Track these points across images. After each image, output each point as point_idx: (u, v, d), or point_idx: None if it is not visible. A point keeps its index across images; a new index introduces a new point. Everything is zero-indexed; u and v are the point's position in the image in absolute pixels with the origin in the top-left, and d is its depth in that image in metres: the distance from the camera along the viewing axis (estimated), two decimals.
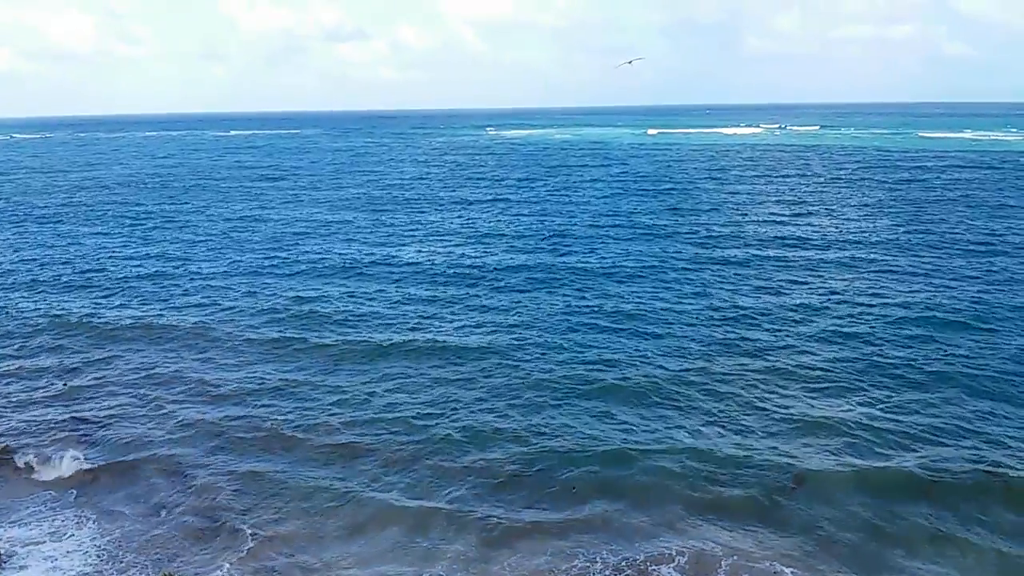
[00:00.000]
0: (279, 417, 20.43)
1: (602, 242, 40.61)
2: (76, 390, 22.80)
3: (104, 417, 21.05)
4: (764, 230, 43.18)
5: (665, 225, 45.38)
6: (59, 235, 46.91)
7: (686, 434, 18.98)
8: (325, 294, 31.53)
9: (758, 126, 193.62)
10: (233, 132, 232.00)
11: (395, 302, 30.29)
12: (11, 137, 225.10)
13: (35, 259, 39.87)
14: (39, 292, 33.37)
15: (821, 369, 22.45)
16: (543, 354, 23.97)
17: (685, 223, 45.90)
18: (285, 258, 38.29)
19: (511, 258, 37.17)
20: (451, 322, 27.54)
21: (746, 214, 49.25)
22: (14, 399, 22.33)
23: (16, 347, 26.51)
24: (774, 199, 56.34)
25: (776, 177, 72.02)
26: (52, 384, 23.29)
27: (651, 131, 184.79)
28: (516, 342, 25.07)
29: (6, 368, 24.62)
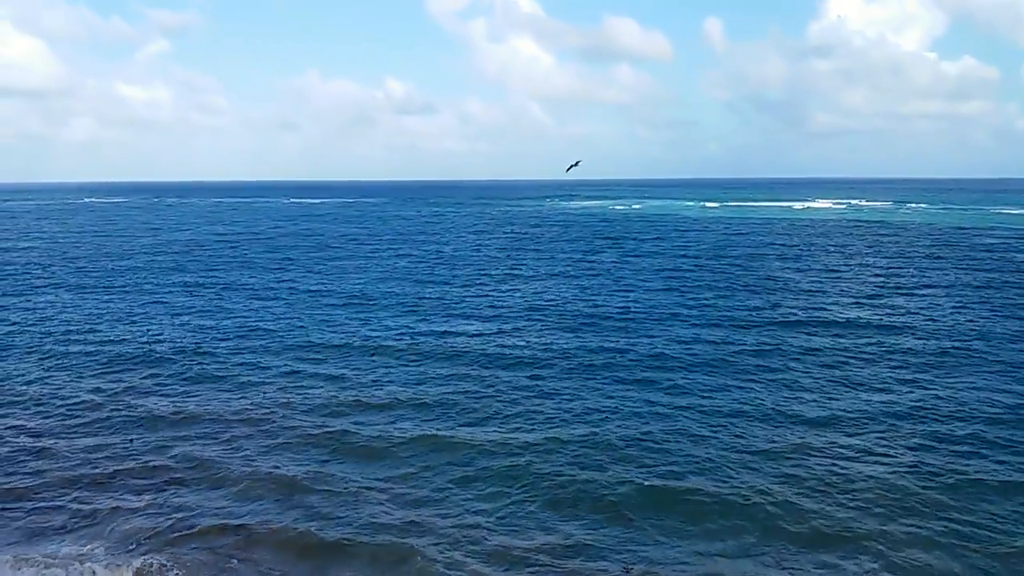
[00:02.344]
0: (311, 520, 18.48)
1: (663, 324, 38.24)
2: (93, 479, 21.20)
3: (118, 510, 19.34)
4: (837, 313, 40.43)
5: (731, 305, 42.91)
6: (106, 303, 46.45)
7: (761, 561, 16.56)
8: (370, 377, 29.62)
9: (827, 200, 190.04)
10: (299, 200, 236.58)
11: (441, 386, 28.31)
12: (84, 200, 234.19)
13: (78, 328, 39.14)
14: (73, 366, 32.34)
15: (907, 481, 19.75)
16: (598, 457, 21.54)
17: (752, 303, 43.31)
18: (336, 337, 36.44)
19: (568, 340, 34.98)
20: (494, 415, 25.32)
21: (817, 295, 46.48)
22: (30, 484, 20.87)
23: (46, 426, 25.18)
24: (846, 278, 53.52)
25: (847, 254, 69.11)
26: (69, 471, 21.77)
27: (715, 204, 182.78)
28: (568, 440, 22.74)
29: (29, 444, 23.32)
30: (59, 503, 19.73)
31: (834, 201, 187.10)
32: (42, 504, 19.69)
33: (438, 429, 23.82)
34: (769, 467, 20.69)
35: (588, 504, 18.89)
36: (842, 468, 20.54)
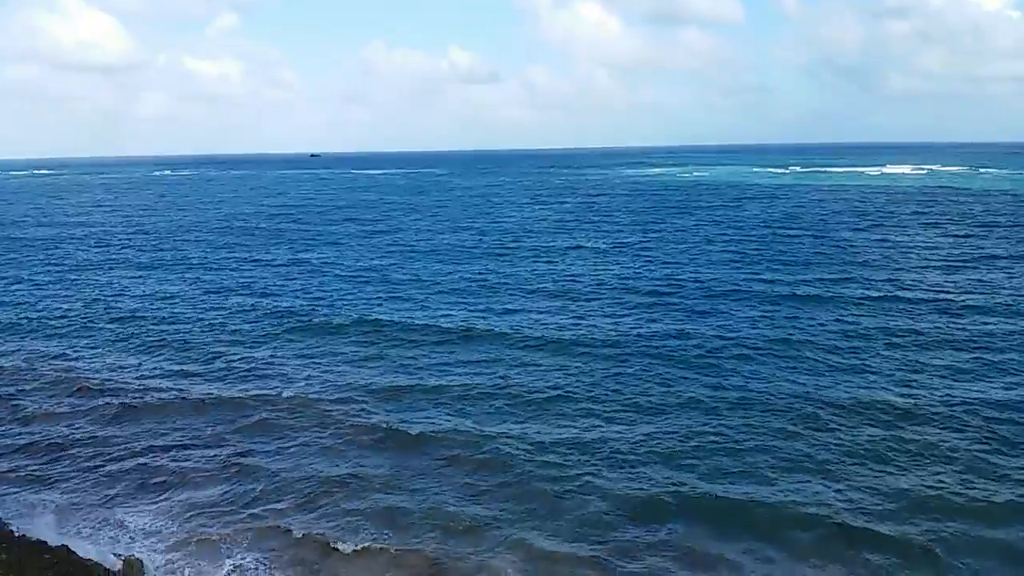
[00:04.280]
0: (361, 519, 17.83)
1: (730, 301, 36.72)
2: (150, 468, 20.92)
3: (174, 501, 19.15)
4: (916, 289, 38.24)
5: (801, 282, 40.84)
6: (171, 280, 46.81)
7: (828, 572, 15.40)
8: (430, 362, 28.63)
9: (904, 166, 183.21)
10: (365, 171, 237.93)
11: (498, 373, 27.23)
12: (155, 174, 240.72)
13: (143, 307, 39.48)
14: (137, 347, 32.44)
15: (1000, 491, 18.02)
16: (657, 457, 20.17)
17: (824, 281, 41.16)
18: (398, 316, 35.57)
19: (630, 322, 33.56)
20: (549, 406, 24.07)
21: (895, 269, 44.22)
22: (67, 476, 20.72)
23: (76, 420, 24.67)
24: (926, 250, 50.85)
25: (926, 223, 65.85)
26: (125, 459, 21.56)
27: (787, 170, 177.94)
28: (624, 438, 21.40)
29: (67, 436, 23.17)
30: (112, 491, 19.67)
31: (912, 167, 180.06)
32: (95, 493, 19.64)
33: (489, 423, 22.79)
34: (841, 469, 19.22)
35: (639, 510, 17.73)
36: (926, 470, 19.03)
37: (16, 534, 16.48)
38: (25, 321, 36.82)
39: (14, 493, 19.42)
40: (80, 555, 15.61)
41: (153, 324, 35.44)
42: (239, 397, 25.57)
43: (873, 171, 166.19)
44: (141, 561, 15.91)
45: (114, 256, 57.00)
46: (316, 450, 21.49)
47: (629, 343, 30.17)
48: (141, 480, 20.02)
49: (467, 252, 55.26)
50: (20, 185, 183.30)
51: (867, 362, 27.07)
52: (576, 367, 27.50)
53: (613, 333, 31.61)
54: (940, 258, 47.72)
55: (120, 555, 16.13)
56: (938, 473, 18.68)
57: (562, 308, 36.43)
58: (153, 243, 64.52)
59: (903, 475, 18.69)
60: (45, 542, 15.96)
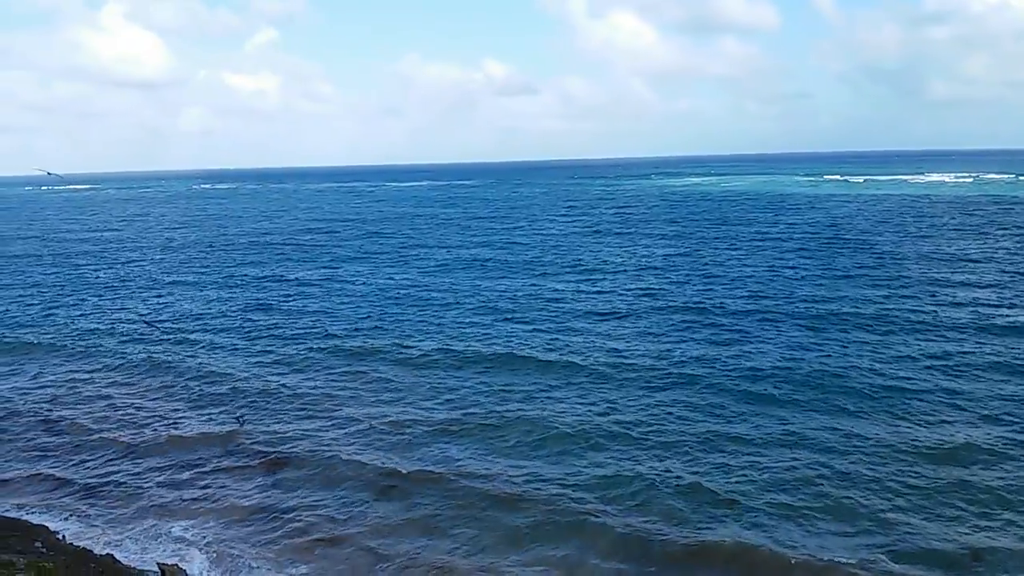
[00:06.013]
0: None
1: (764, 324, 35.28)
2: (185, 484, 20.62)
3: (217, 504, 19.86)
4: (967, 311, 36.23)
5: (842, 299, 39.43)
6: (211, 294, 46.80)
7: None
8: (459, 395, 27.43)
9: (948, 174, 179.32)
10: (401, 184, 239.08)
11: (514, 404, 26.24)
12: (191, 188, 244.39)
13: (184, 321, 39.51)
14: (175, 361, 32.54)
15: None
16: (679, 503, 18.92)
17: (866, 299, 39.39)
18: (419, 342, 34.42)
19: (655, 348, 32.18)
20: (556, 443, 22.84)
21: (942, 287, 42.21)
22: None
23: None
24: (977, 266, 48.68)
25: (976, 236, 63.40)
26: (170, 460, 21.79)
27: (827, 179, 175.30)
28: (638, 485, 19.96)
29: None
30: (149, 511, 20.22)
31: (956, 175, 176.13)
32: (134, 511, 20.22)
33: (519, 460, 21.84)
34: (888, 514, 17.86)
35: (670, 556, 16.69)
36: (980, 514, 17.71)
37: (63, 542, 17.84)
38: (66, 340, 37.27)
39: (60, 506, 20.55)
40: (123, 563, 16.89)
41: (178, 346, 35.49)
42: (270, 428, 25.10)
43: (915, 179, 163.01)
44: (181, 569, 16.60)
45: (146, 271, 57.66)
46: (342, 487, 20.89)
47: (664, 368, 29.08)
48: (176, 503, 20.49)
49: (501, 267, 54.52)
50: (66, 199, 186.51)
51: (915, 392, 25.57)
52: (611, 396, 26.43)
53: (648, 358, 30.45)
54: (990, 272, 45.88)
55: (162, 563, 16.73)
56: (997, 519, 17.41)
57: (596, 329, 35.47)
58: (183, 259, 64.99)
59: (956, 521, 17.45)
60: (91, 550, 17.35)
